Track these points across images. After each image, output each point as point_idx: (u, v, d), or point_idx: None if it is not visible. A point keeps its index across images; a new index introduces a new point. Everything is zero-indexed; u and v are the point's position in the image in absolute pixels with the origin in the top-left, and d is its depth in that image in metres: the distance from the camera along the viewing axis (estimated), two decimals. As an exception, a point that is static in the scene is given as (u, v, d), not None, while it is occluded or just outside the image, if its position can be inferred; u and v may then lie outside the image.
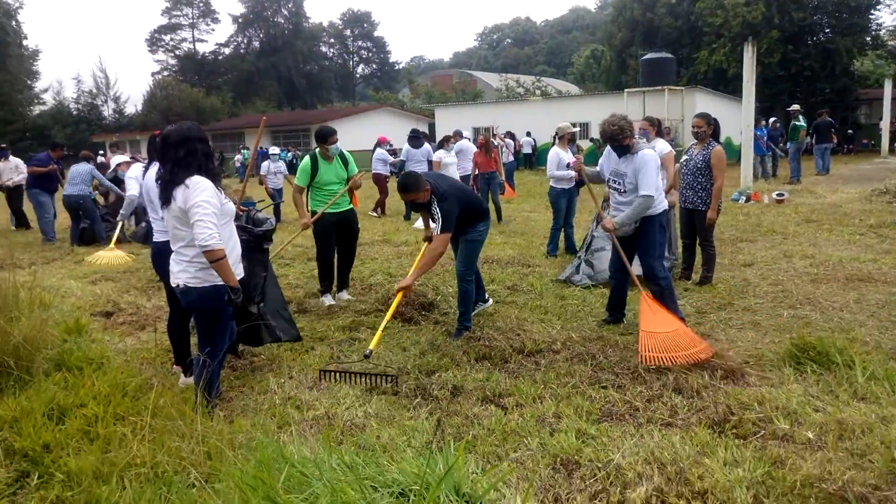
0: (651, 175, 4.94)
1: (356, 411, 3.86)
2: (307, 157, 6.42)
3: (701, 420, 3.41)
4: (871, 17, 31.59)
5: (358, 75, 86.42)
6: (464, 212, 5.16)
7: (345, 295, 6.67)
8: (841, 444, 3.06)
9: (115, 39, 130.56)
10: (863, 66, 34.99)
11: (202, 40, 76.94)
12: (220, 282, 3.61)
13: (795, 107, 18.01)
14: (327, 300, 6.54)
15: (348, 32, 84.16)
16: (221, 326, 3.74)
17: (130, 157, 9.34)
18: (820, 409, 3.48)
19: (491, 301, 5.99)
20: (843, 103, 32.52)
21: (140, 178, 8.01)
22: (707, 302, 5.91)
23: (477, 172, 12.16)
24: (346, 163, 6.50)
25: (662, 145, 7.41)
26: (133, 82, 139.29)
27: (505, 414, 3.68)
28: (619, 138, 5.03)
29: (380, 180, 14.49)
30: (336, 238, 6.52)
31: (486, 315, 5.80)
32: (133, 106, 64.90)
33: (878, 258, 7.41)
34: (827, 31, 31.66)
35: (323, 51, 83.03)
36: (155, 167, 4.29)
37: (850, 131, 31.65)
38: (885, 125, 26.51)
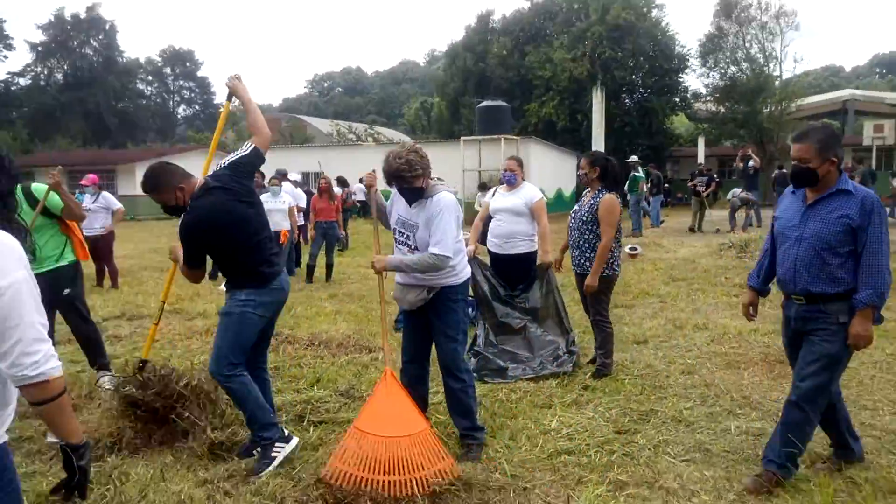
0: (447, 227, 3.54)
1: None
2: None
3: None
4: (679, 79, 33.84)
5: (180, 116, 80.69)
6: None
7: (105, 380, 4.79)
8: None
9: None
10: (673, 125, 37.48)
11: (-9, 68, 67.25)
12: None
13: (634, 158, 17.86)
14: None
15: (169, 70, 78.55)
16: None
17: None
18: None
19: (294, 441, 3.61)
20: (659, 159, 34.35)
21: None
22: (622, 410, 4.23)
23: (313, 221, 10.14)
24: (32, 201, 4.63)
25: (531, 191, 5.91)
26: None
27: None
28: (407, 177, 3.56)
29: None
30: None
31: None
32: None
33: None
34: (643, 90, 33.42)
35: (140, 88, 76.60)
36: None
37: (666, 185, 33.40)
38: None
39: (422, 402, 3.95)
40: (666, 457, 3.51)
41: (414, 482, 3.07)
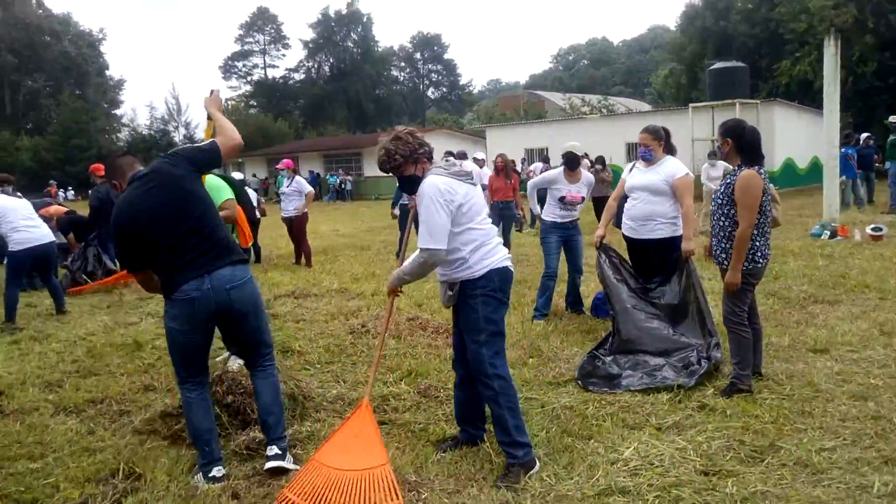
0: (427, 217, 3.14)
1: None
2: None
3: None
4: None
5: (430, 98, 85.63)
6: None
7: (234, 364, 4.48)
8: None
9: (191, 67, 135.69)
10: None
11: (273, 66, 77.39)
12: None
13: (894, 118, 14.75)
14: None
15: (418, 56, 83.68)
16: None
17: None
18: None
19: (206, 485, 3.19)
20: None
21: None
22: (729, 443, 3.34)
23: (492, 201, 9.93)
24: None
25: (674, 166, 5.03)
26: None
27: None
28: (388, 168, 3.29)
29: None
30: None
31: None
32: (202, 131, 66.14)
33: None
34: (933, 34, 27.57)
35: (394, 74, 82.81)
36: None
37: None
38: None
39: (471, 407, 3.51)
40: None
41: None
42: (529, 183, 6.68)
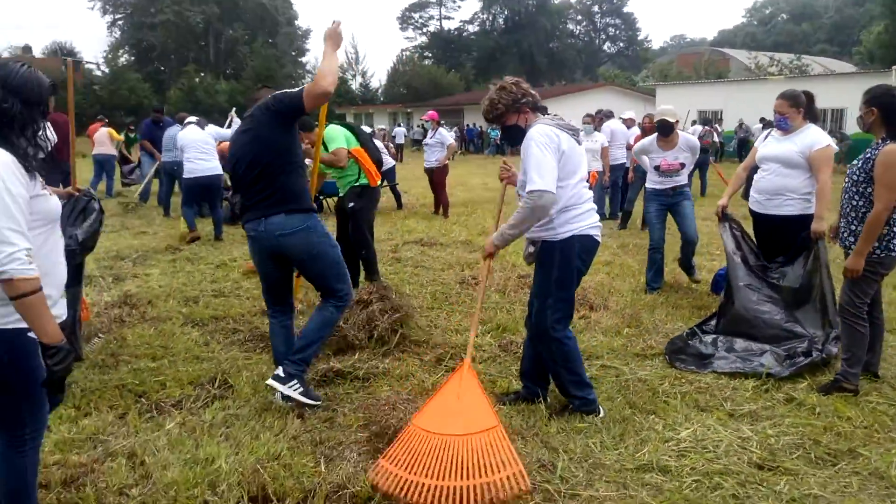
0: (536, 161, 3.08)
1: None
2: None
3: None
4: None
5: (605, 53, 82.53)
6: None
7: None
8: None
9: (371, 18, 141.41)
10: None
11: (449, 17, 78.60)
12: (22, 324, 2.10)
13: None
14: None
15: (596, 9, 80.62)
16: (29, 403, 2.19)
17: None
18: None
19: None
20: None
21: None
22: (800, 440, 3.08)
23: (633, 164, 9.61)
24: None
25: (813, 136, 4.55)
26: (384, 58, 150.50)
27: None
28: (491, 117, 3.35)
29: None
30: None
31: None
32: (377, 80, 68.87)
33: None
34: None
35: (569, 28, 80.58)
36: None
37: None
38: None
39: (533, 365, 3.56)
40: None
41: (474, 489, 2.58)
42: (634, 150, 6.47)
